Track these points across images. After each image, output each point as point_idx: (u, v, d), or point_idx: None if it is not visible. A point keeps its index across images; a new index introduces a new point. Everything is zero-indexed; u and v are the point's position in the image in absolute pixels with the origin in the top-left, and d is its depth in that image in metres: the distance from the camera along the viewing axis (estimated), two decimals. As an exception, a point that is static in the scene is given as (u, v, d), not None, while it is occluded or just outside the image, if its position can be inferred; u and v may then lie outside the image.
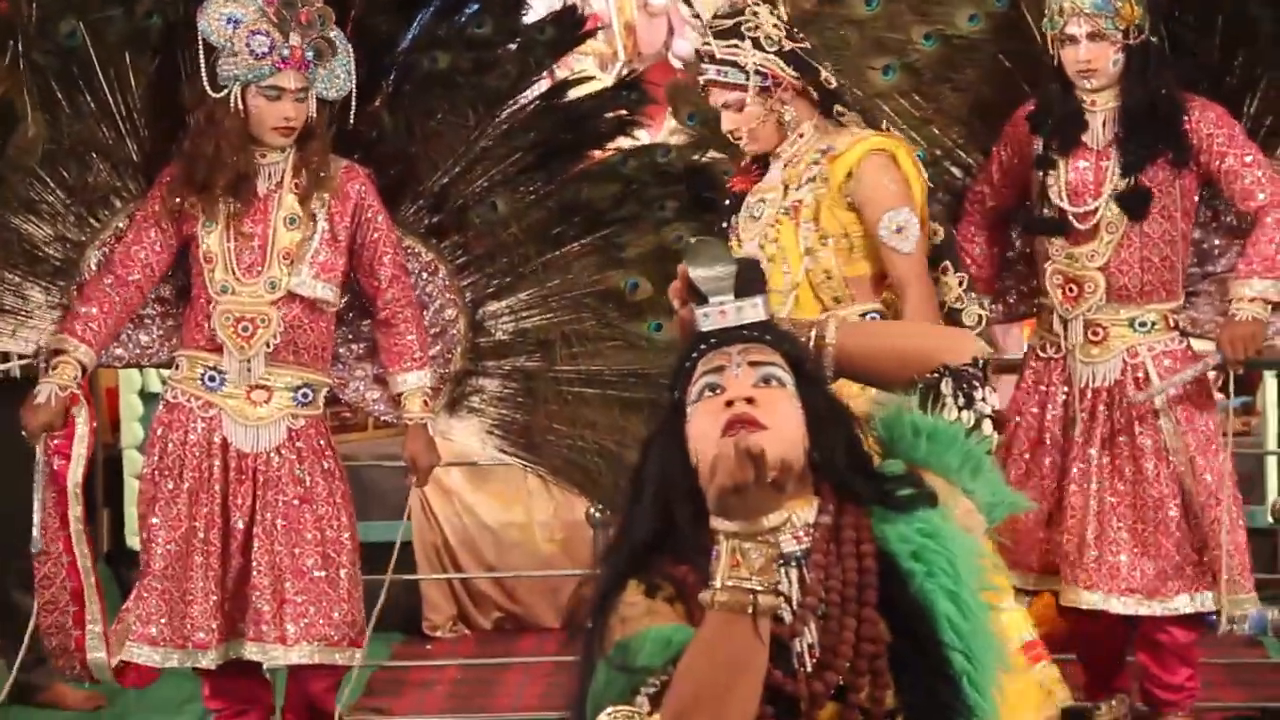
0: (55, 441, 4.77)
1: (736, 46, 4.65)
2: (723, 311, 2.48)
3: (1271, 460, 6.21)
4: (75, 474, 4.78)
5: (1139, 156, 4.86)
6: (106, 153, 4.89)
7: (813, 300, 4.64)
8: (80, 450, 4.78)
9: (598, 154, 5.26)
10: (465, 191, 5.13)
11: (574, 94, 5.26)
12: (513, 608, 6.73)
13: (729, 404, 2.41)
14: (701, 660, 2.24)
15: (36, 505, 4.81)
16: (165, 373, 5.08)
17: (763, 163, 4.78)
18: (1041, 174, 4.94)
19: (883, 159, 4.62)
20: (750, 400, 2.41)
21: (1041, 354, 5.06)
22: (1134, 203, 4.88)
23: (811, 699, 2.35)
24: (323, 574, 4.81)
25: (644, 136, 5.48)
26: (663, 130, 6.18)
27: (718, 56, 4.66)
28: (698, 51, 4.83)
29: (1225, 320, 4.93)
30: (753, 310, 2.49)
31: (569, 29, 5.25)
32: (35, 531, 4.80)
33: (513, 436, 5.22)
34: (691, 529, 2.40)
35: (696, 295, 2.50)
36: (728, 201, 4.84)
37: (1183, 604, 4.95)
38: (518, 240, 5.13)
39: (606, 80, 5.56)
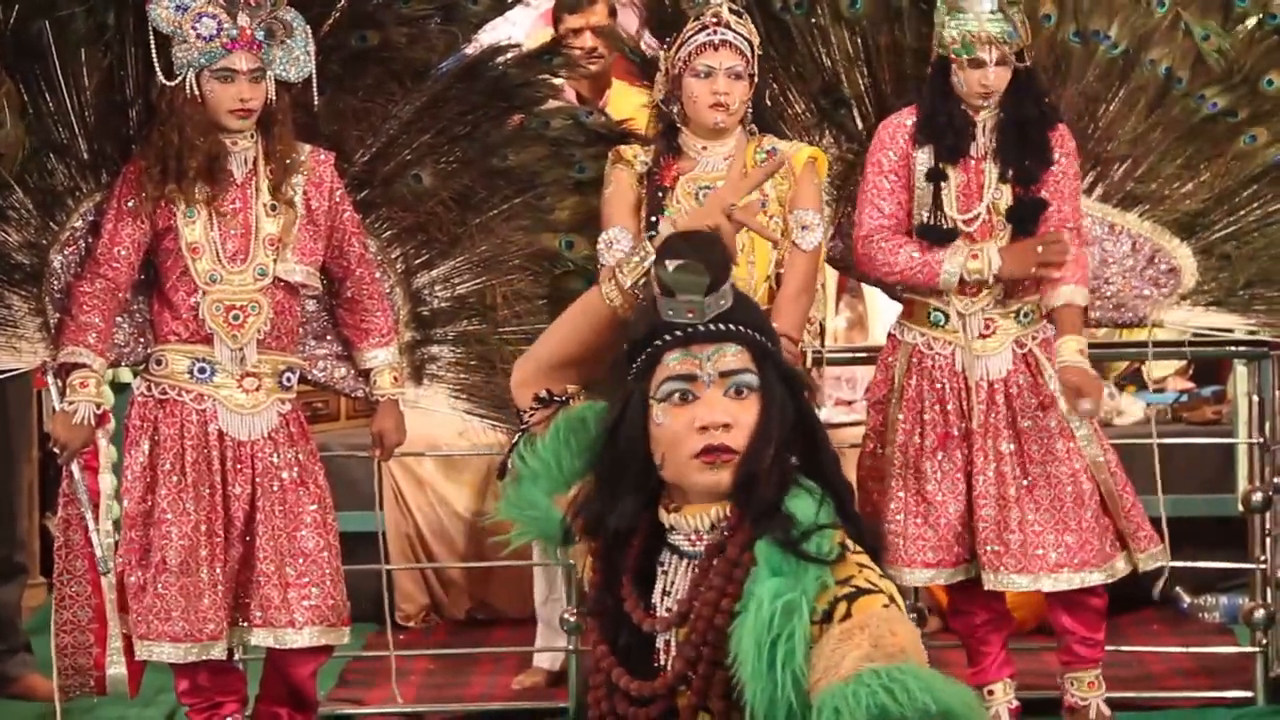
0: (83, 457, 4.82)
1: (746, 27, 4.92)
2: (690, 310, 2.45)
3: (1241, 449, 6.21)
4: (106, 487, 4.79)
5: (1025, 171, 5.01)
6: (62, 152, 4.87)
7: (766, 292, 4.92)
8: (106, 463, 4.81)
9: (518, 118, 5.31)
10: (391, 164, 5.17)
11: (497, 61, 5.27)
12: (485, 598, 6.72)
13: (703, 429, 2.42)
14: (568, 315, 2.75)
15: (90, 525, 4.81)
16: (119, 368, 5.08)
17: (674, 152, 4.96)
18: (933, 185, 5.03)
19: (815, 165, 5.03)
20: (726, 426, 2.42)
21: (928, 350, 5.12)
22: (1025, 215, 5.02)
23: (671, 693, 2.45)
24: (324, 554, 4.84)
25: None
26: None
27: (733, 27, 4.88)
28: (701, 16, 4.90)
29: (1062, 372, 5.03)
30: (721, 302, 2.46)
31: None
32: (100, 552, 4.80)
33: (478, 399, 5.27)
34: (631, 513, 2.51)
35: (663, 288, 2.46)
36: (659, 192, 4.92)
37: (1105, 571, 5.12)
38: (446, 208, 5.18)
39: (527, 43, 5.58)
